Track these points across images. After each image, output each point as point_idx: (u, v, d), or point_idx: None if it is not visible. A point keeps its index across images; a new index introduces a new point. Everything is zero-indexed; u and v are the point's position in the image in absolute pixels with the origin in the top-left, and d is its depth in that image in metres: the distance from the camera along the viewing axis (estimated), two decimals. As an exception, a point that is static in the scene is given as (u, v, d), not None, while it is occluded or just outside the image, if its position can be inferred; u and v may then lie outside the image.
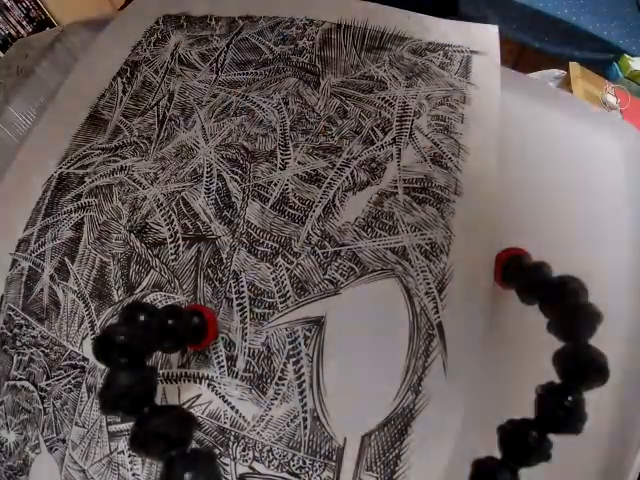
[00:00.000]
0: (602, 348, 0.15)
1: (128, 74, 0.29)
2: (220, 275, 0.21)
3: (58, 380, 0.23)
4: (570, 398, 0.15)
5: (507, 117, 0.23)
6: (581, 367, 0.16)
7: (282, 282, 0.20)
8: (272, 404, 0.19)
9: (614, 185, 0.23)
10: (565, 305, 0.16)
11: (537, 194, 0.23)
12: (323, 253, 0.20)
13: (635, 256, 0.22)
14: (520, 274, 0.18)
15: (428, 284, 0.19)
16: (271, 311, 0.20)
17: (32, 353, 0.24)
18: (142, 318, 0.16)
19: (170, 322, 0.17)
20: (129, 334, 0.15)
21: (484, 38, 0.25)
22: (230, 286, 0.21)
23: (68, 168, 0.27)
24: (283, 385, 0.19)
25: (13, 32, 1.05)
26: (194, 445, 0.19)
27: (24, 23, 1.07)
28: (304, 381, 0.19)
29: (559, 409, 0.15)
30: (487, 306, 0.19)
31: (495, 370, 0.19)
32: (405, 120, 0.23)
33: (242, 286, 0.21)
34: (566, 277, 0.17)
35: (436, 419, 0.18)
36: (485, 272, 0.19)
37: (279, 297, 0.20)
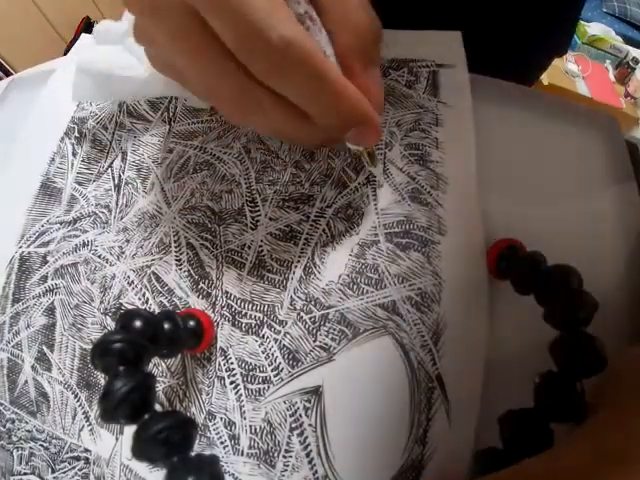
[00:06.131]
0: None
1: (76, 133, 0.27)
2: (207, 354, 0.20)
3: (64, 472, 0.22)
4: (568, 386, 0.15)
5: (485, 131, 0.22)
6: (578, 355, 0.15)
7: (272, 354, 0.19)
8: (283, 475, 0.19)
9: (601, 185, 0.22)
10: (560, 294, 0.16)
11: (524, 205, 0.22)
12: (310, 318, 0.19)
13: (625, 247, 0.21)
14: (514, 264, 0.18)
15: (423, 337, 0.19)
16: (266, 386, 0.19)
17: (31, 447, 0.23)
18: (137, 324, 0.15)
19: (166, 327, 0.17)
20: (125, 340, 0.15)
21: (448, 46, 0.23)
22: (219, 364, 0.20)
23: (28, 247, 0.25)
24: (291, 457, 0.19)
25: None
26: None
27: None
28: (311, 451, 0.19)
29: (558, 397, 0.15)
30: (484, 351, 0.18)
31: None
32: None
33: (232, 363, 0.20)
34: (560, 266, 0.17)
35: (444, 465, 0.18)
36: (479, 315, 0.19)
37: (272, 370, 0.19)
